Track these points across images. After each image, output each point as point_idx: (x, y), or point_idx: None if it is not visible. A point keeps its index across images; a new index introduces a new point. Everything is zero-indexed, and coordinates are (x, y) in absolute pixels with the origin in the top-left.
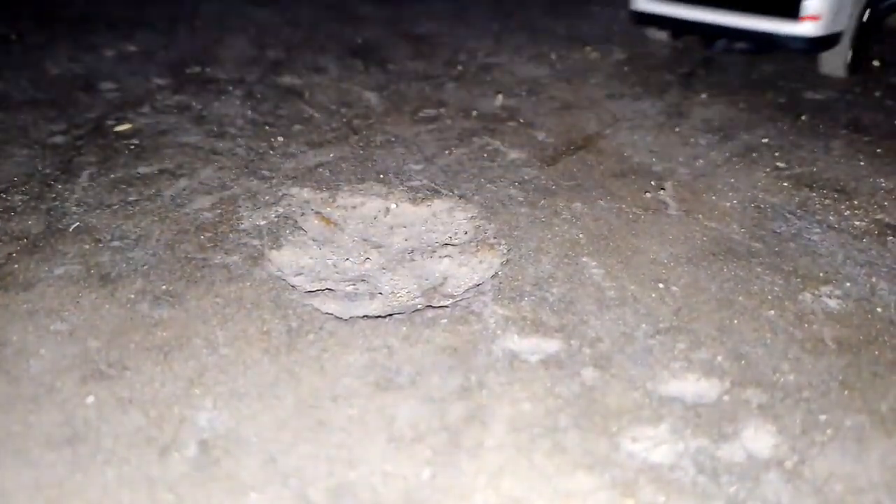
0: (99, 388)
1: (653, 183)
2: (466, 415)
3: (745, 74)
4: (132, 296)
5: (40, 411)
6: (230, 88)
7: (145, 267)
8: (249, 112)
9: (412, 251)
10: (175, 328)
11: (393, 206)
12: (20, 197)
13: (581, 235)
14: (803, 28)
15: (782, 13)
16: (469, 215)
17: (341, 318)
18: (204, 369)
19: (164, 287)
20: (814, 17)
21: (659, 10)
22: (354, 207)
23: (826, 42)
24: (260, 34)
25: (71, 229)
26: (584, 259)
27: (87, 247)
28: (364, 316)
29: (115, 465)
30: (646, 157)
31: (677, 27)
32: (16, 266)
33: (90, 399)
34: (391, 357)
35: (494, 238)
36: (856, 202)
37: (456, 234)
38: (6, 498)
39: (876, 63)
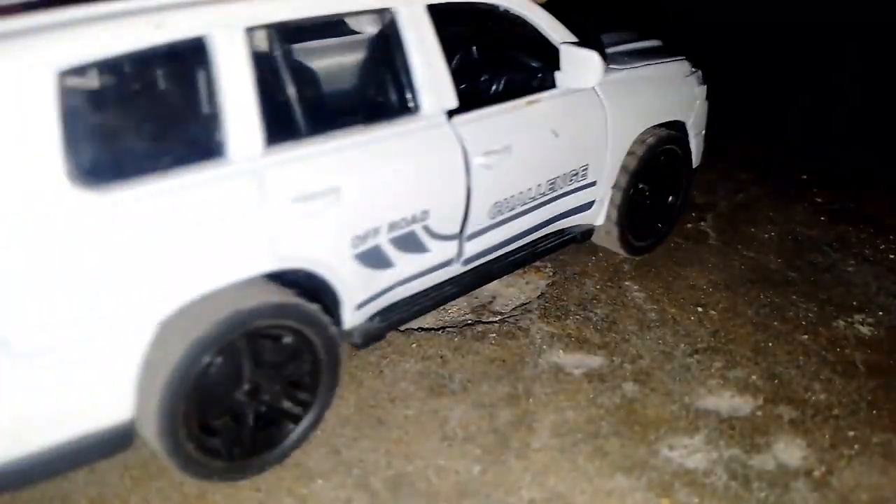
0: None
1: (693, 214)
2: (514, 419)
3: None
4: None
5: None
6: None
7: None
8: None
9: None
10: None
11: None
12: None
13: (623, 261)
14: None
15: None
16: None
17: (398, 329)
18: None
19: None
20: None
21: None
22: None
23: None
24: None
25: None
26: (627, 283)
27: None
28: (418, 328)
29: None
30: None
31: None
32: None
33: None
34: (444, 365)
35: (541, 262)
36: (892, 237)
37: None
38: None
39: None
